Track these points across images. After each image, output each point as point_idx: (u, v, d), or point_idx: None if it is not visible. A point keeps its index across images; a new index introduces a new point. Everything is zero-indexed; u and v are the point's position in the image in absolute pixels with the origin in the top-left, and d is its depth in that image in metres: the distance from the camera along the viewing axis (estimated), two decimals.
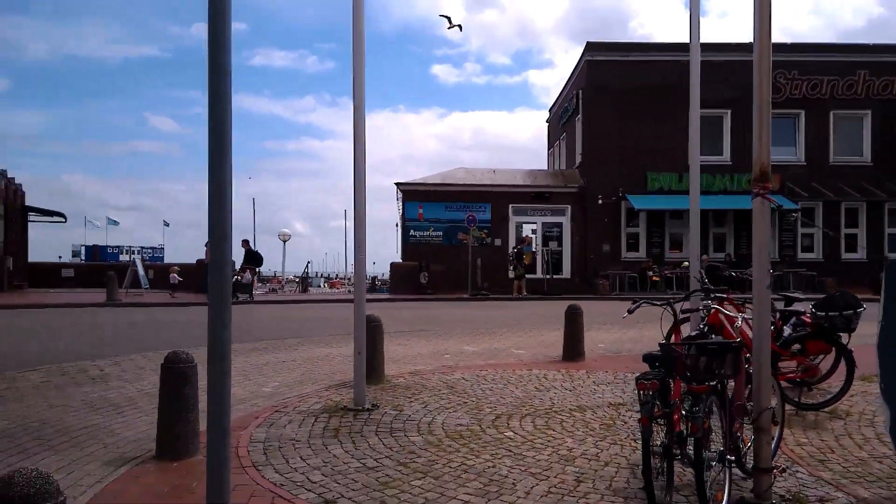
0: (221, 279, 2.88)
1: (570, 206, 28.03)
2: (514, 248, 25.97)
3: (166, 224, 77.56)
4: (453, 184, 28.38)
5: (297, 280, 46.40)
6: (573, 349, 9.13)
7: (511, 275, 25.34)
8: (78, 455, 4.85)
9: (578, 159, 29.96)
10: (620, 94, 27.18)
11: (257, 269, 25.69)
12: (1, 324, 13.78)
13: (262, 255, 25.23)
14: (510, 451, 5.00)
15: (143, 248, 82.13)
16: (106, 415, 6.03)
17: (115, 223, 70.87)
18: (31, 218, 31.50)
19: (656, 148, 26.80)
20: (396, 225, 29.91)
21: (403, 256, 29.89)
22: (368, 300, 25.98)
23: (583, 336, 9.32)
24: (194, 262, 27.40)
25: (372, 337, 7.25)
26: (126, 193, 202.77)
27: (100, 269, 35.65)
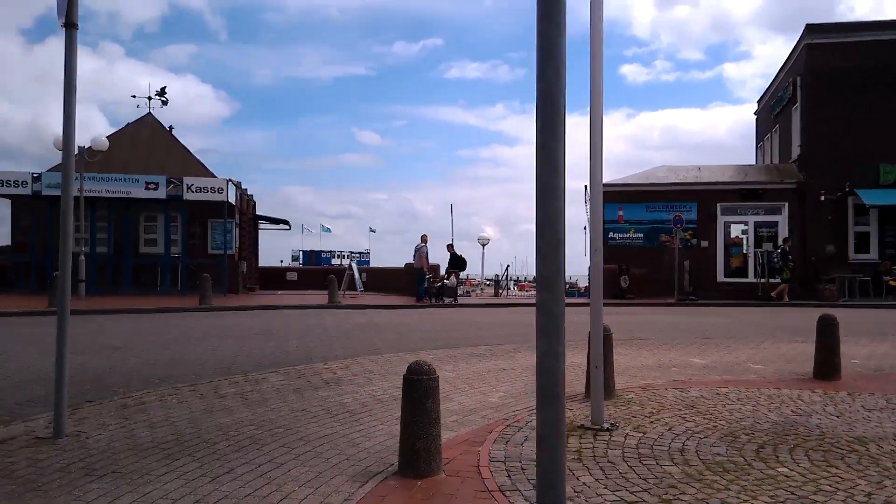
0: (554, 299, 2.48)
1: (786, 204, 25.55)
2: (779, 247, 23.93)
3: (372, 230, 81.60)
4: (656, 183, 26.93)
5: (489, 283, 46.66)
6: (827, 366, 7.93)
7: (778, 278, 23.40)
8: (323, 467, 4.71)
9: (796, 152, 27.26)
10: (845, 79, 24.33)
11: (462, 273, 25.89)
12: (241, 325, 14.74)
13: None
14: (793, 493, 4.19)
15: (351, 252, 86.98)
16: (344, 422, 5.95)
17: (328, 230, 75.19)
18: (260, 226, 34.18)
19: (890, 137, 23.70)
20: (585, 228, 28.89)
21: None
22: (566, 304, 25.07)
23: (839, 351, 8.08)
24: (401, 265, 28.27)
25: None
26: (336, 203, 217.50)
27: (318, 272, 37.98)
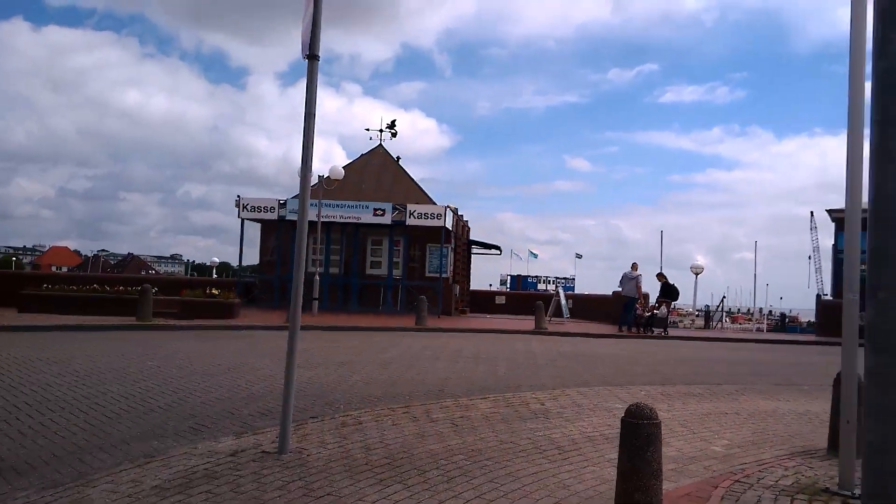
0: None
1: None
2: None
3: (578, 256, 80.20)
4: None
5: (698, 314, 43.68)
6: None
7: None
8: None
9: None
10: None
11: (672, 303, 24.45)
12: (453, 346, 14.92)
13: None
14: None
15: (557, 277, 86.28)
16: (553, 459, 5.59)
17: (535, 256, 75.25)
18: (473, 250, 34.91)
19: None
20: (809, 257, 25.91)
21: (835, 293, 25.86)
22: (783, 341, 22.80)
23: None
24: (606, 292, 27.33)
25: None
26: (545, 228, 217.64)
27: (525, 296, 38.01)
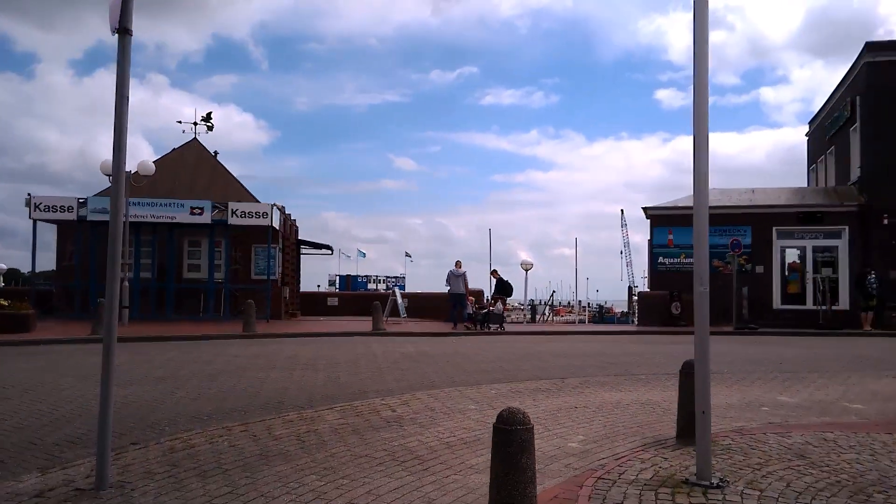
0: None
1: (846, 227, 24.40)
2: (869, 271, 22.55)
3: (408, 255, 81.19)
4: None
5: (522, 308, 45.76)
6: None
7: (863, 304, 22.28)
8: None
9: (856, 174, 26.12)
10: None
11: (507, 299, 25.20)
12: (287, 353, 14.24)
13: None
14: None
15: (387, 276, 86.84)
16: (413, 471, 5.30)
17: (363, 255, 75.19)
18: (302, 250, 33.92)
19: None
20: (621, 252, 27.98)
21: (651, 285, 27.96)
22: (608, 332, 24.43)
23: None
24: (437, 290, 27.64)
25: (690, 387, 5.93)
26: (372, 227, 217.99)
27: (358, 297, 37.57)
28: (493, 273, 24.42)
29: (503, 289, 23.65)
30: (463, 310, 22.55)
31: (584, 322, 42.29)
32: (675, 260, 25.90)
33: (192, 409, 7.92)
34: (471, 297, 23.81)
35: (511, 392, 8.95)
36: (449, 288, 23.04)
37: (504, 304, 24.04)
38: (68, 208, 23.17)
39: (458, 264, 23.14)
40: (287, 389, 9.40)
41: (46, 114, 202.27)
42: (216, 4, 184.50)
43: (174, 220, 23.34)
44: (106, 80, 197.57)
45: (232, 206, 23.62)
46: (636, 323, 30.63)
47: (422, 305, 28.99)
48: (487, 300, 24.39)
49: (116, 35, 4.37)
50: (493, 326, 22.16)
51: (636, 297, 41.98)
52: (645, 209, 26.83)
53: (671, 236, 26.06)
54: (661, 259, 26.14)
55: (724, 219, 25.10)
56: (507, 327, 23.44)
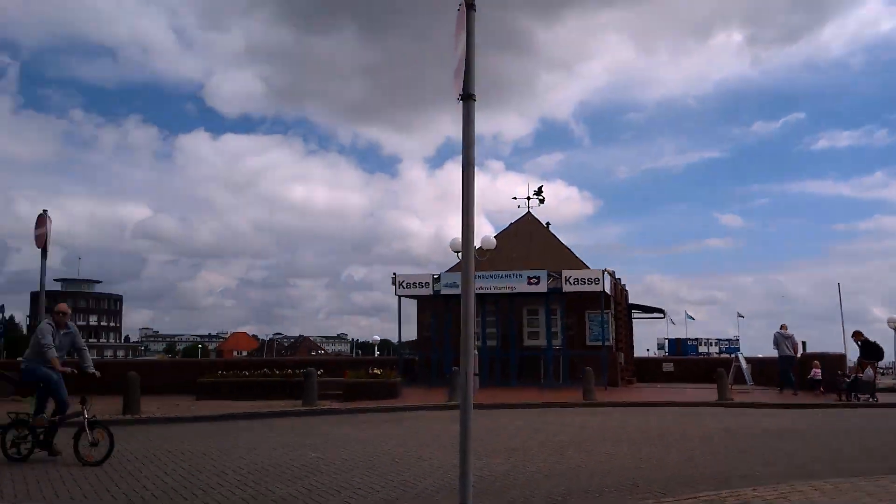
0: None
1: None
2: None
3: (741, 316, 73.99)
4: None
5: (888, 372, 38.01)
6: None
7: None
8: None
9: None
10: None
11: (878, 364, 21.11)
12: (631, 425, 13.26)
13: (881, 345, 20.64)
14: None
15: (719, 339, 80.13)
16: None
17: (692, 318, 70.51)
18: (633, 315, 32.70)
19: None
20: None
21: None
22: None
23: None
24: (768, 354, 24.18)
25: None
26: (698, 288, 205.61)
27: (693, 362, 34.97)
28: (857, 334, 20.67)
29: (872, 352, 19.83)
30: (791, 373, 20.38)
31: None
32: None
33: (546, 486, 7.40)
34: (815, 362, 21.20)
35: None
36: (777, 352, 21.43)
37: (875, 369, 20.12)
38: (425, 284, 25.19)
39: (783, 327, 21.69)
40: (639, 468, 8.46)
41: (408, 205, 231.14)
42: (542, 91, 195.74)
43: (514, 291, 23.99)
44: (452, 171, 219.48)
45: (565, 273, 23.59)
46: None
47: (761, 370, 25.72)
48: (854, 366, 20.69)
49: (461, 101, 4.21)
50: (863, 396, 18.57)
51: None
52: None
53: None
54: None
55: None
56: (880, 397, 19.52)
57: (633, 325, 32.94)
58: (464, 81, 4.11)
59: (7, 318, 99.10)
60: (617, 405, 17.74)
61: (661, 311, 32.77)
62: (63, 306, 9.41)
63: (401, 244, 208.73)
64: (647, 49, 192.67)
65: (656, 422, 13.73)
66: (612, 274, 25.89)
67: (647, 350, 63.67)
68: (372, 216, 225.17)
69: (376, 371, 19.55)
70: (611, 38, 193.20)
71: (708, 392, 19.64)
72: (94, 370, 9.21)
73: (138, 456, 9.42)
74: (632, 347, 32.43)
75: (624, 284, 30.38)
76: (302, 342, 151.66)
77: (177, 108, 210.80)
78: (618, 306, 28.31)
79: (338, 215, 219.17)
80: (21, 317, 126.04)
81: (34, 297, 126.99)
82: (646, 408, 17.16)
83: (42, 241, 13.77)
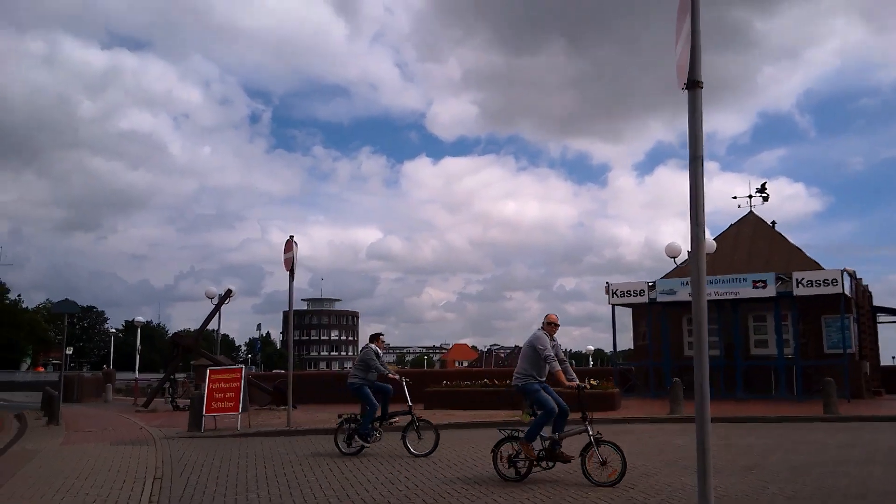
0: None
1: None
2: None
3: None
4: None
5: None
6: None
7: None
8: None
9: None
10: None
11: None
12: (885, 442, 11.53)
13: None
14: None
15: None
16: None
17: None
18: (879, 319, 28.76)
19: None
20: None
21: None
22: None
23: None
24: None
25: None
26: None
27: None
28: None
29: None
30: None
31: None
32: None
33: None
34: None
35: None
36: None
37: None
38: (639, 292, 24.15)
39: None
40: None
41: (618, 213, 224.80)
42: (761, 84, 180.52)
43: (738, 296, 22.15)
44: (663, 176, 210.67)
45: (797, 275, 21.30)
46: None
47: None
48: None
49: (685, 91, 3.85)
50: None
51: None
52: None
53: None
54: None
55: None
56: None
57: (878, 329, 28.91)
58: (689, 68, 3.74)
59: (264, 334, 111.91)
60: (864, 419, 15.56)
61: None
62: (552, 316, 8.62)
63: (611, 253, 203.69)
64: (880, 27, 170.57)
65: None
66: (852, 274, 22.94)
67: (893, 358, 55.64)
68: (581, 226, 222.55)
69: (593, 382, 19.01)
70: (837, 20, 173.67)
71: None
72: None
73: (375, 461, 9.95)
74: (878, 355, 28.46)
75: (866, 285, 26.83)
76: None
77: (402, 138, 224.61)
78: (860, 309, 25.03)
79: (547, 228, 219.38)
80: (275, 333, 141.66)
81: (285, 314, 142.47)
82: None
83: (289, 264, 15.15)
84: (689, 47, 3.73)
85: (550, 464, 8.05)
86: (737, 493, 7.38)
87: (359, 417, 10.61)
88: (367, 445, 10.60)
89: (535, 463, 7.97)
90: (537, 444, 8.01)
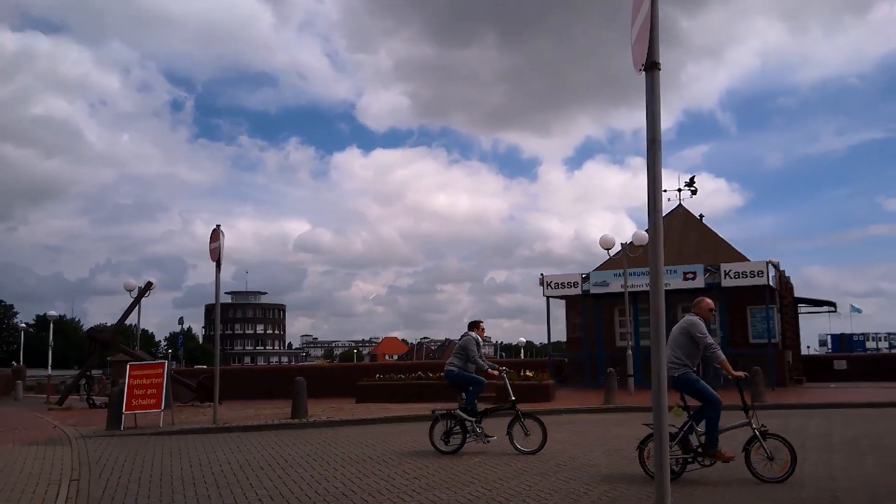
0: None
1: None
2: None
3: None
4: None
5: None
6: None
7: None
8: None
9: None
10: None
11: None
12: (813, 429, 12.00)
13: None
14: None
15: (889, 334, 72.24)
16: None
17: (859, 311, 64.18)
18: (799, 309, 30.17)
19: None
20: None
21: None
22: None
23: None
24: None
25: None
26: (863, 279, 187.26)
27: (870, 360, 31.75)
28: None
29: None
30: None
31: None
32: None
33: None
34: None
35: None
36: None
37: None
38: (573, 284, 24.53)
39: None
40: (834, 479, 7.51)
41: (547, 207, 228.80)
42: (686, 81, 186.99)
43: (668, 287, 22.73)
44: (590, 170, 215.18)
45: (724, 267, 22.08)
46: None
47: None
48: None
49: (643, 72, 3.76)
50: None
51: None
52: None
53: None
54: None
55: None
56: None
57: (799, 319, 30.36)
58: (648, 49, 3.65)
59: (186, 329, 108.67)
60: (790, 407, 16.24)
61: (831, 304, 30.00)
62: (710, 302, 8.21)
63: (541, 245, 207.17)
64: (799, 28, 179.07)
65: (840, 426, 12.35)
66: (776, 265, 23.91)
67: (808, 347, 58.67)
68: (512, 220, 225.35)
69: (528, 373, 19.16)
70: (758, 21, 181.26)
71: (889, 391, 17.58)
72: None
73: (307, 459, 9.65)
74: (799, 345, 29.90)
75: (789, 277, 28.06)
76: (449, 345, 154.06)
77: (331, 129, 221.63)
78: (783, 300, 26.15)
79: (478, 221, 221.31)
80: (198, 328, 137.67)
81: (209, 308, 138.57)
82: (826, 410, 15.55)
83: (216, 254, 14.58)
84: (648, 27, 3.65)
85: (708, 461, 7.57)
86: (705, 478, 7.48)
87: (453, 412, 9.89)
88: (474, 436, 9.78)
89: (695, 461, 7.50)
90: (693, 440, 7.54)
